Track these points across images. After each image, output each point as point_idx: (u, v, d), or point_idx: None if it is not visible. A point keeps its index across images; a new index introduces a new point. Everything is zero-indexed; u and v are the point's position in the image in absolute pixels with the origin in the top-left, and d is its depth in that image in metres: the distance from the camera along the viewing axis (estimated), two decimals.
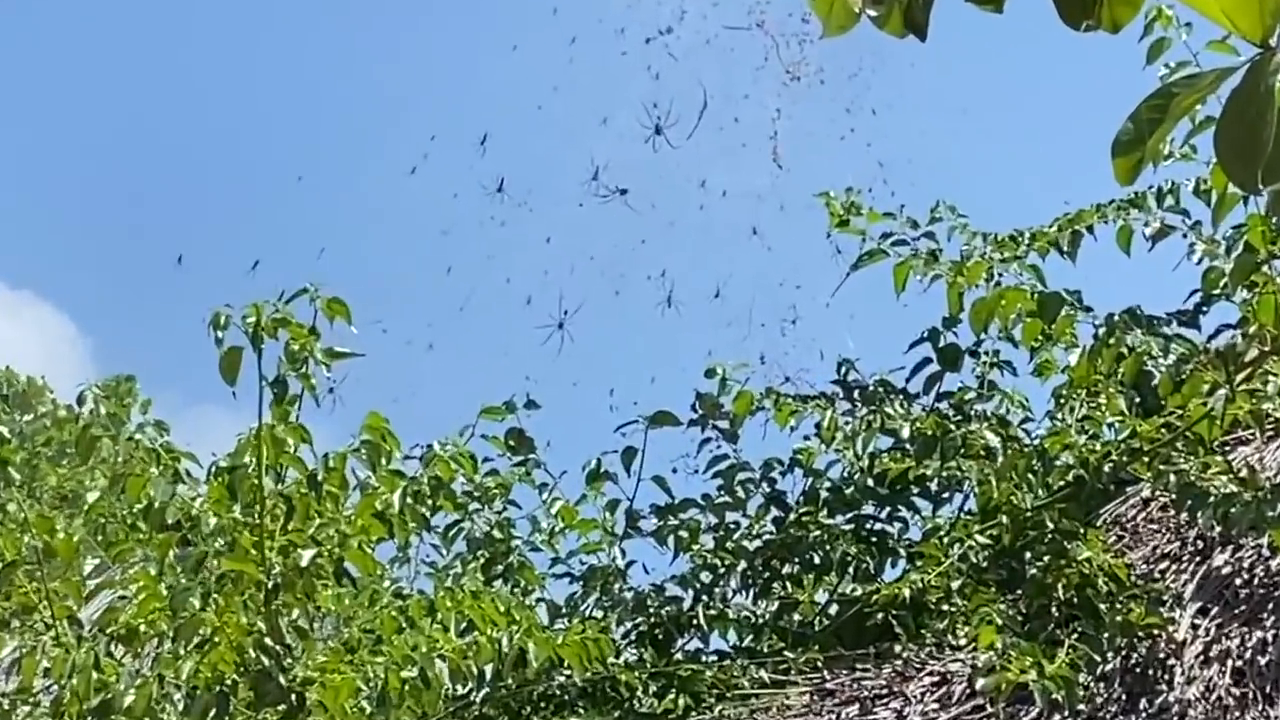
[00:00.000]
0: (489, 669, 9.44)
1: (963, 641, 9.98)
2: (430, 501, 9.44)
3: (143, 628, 9.11)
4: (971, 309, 10.33)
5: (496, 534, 10.62)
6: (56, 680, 8.88)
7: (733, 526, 11.00)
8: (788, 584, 10.94)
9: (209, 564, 9.06)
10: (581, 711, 10.02)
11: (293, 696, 8.87)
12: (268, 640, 8.82)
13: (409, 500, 9.18)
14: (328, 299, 8.86)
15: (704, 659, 10.70)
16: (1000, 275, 10.33)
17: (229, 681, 8.81)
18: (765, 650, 10.62)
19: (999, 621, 9.60)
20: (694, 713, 10.27)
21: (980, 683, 9.39)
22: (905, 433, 10.53)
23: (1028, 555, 10.35)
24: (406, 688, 8.96)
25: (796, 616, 10.81)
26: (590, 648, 9.37)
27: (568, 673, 9.86)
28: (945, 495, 10.89)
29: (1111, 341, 10.17)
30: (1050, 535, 10.28)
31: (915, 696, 9.72)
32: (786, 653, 10.26)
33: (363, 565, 9.19)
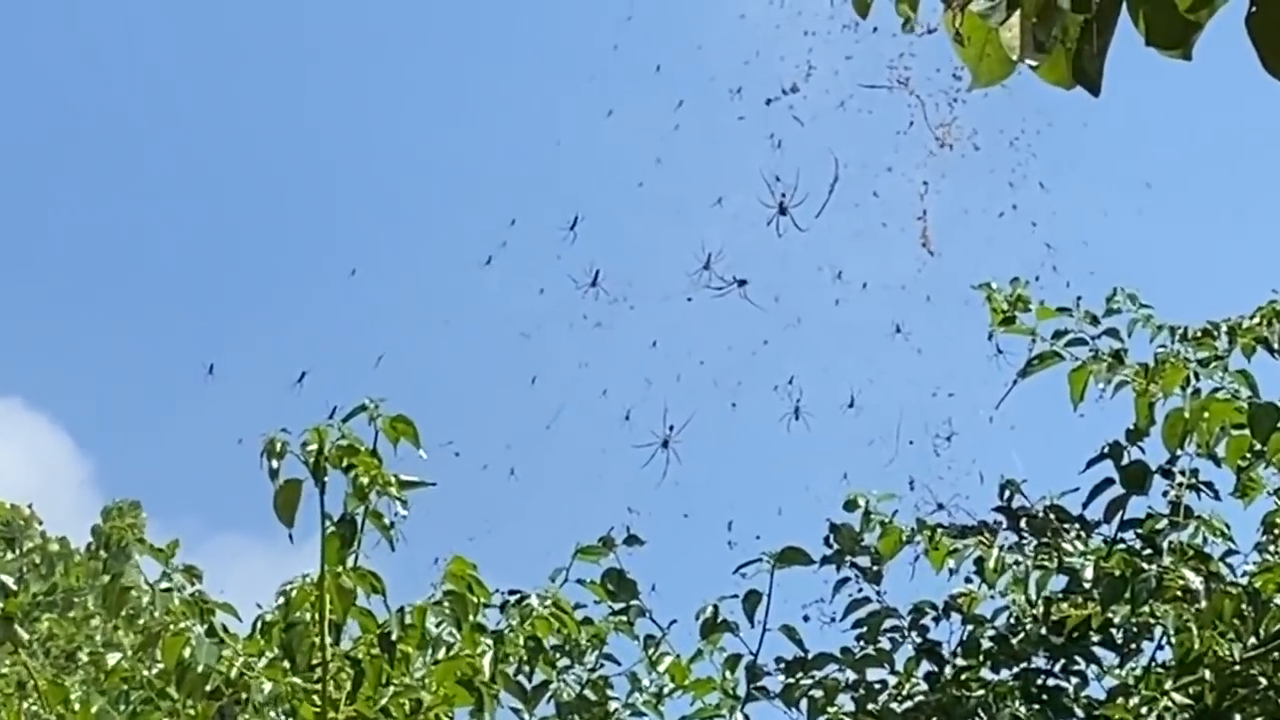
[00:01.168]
0: None
1: None
2: (528, 666, 8.31)
3: None
4: (1165, 421, 9.40)
5: (591, 695, 9.54)
6: None
7: (877, 685, 10.12)
8: None
9: None
10: None
11: None
12: None
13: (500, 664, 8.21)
14: (390, 417, 8.07)
15: None
16: (1199, 380, 9.39)
17: None
18: None
19: None
20: None
21: None
22: (1087, 572, 9.53)
23: (1237, 717, 9.48)
24: None
25: None
26: None
27: None
28: (1134, 645, 9.97)
29: None
30: (1263, 692, 9.49)
31: None
32: None
33: None
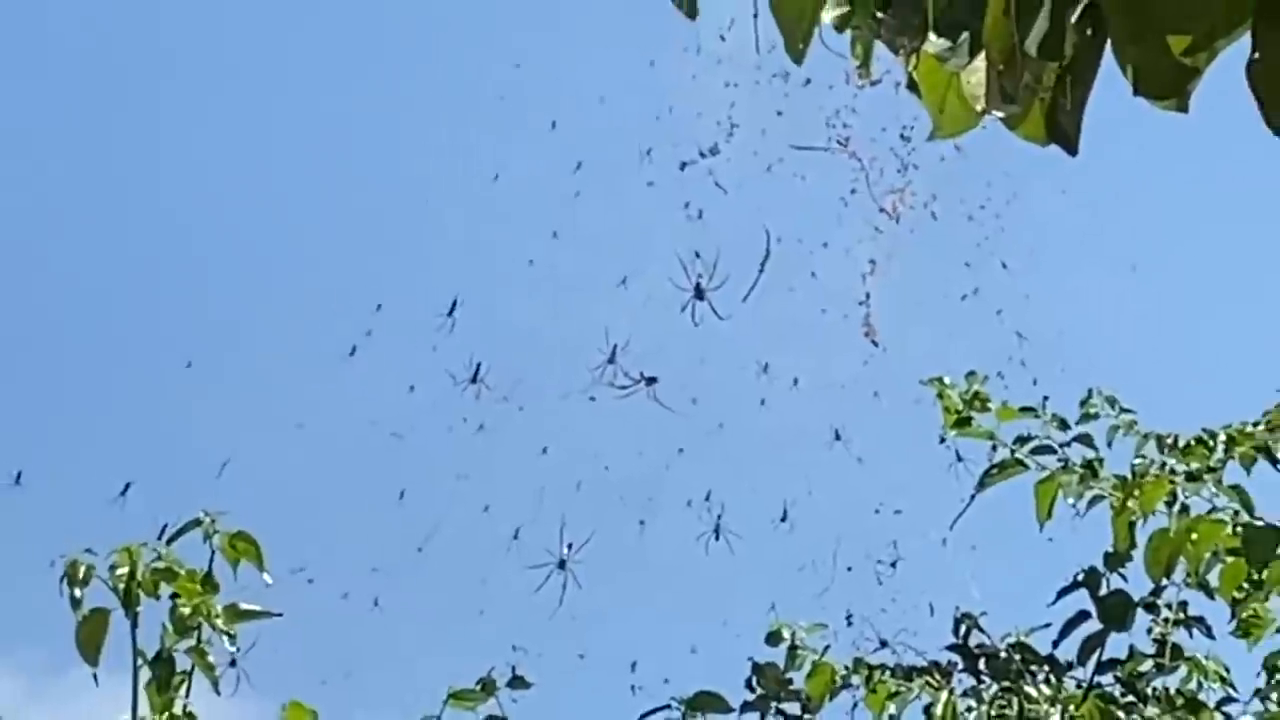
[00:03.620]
0: None
1: None
2: None
3: None
4: (1149, 545, 8.31)
5: None
6: None
7: None
8: None
9: None
10: None
11: None
12: None
13: None
14: (229, 534, 7.19)
15: None
16: (1188, 497, 8.36)
17: None
18: None
19: None
20: None
21: None
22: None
23: None
24: None
25: None
26: None
27: None
28: None
29: None
30: None
31: None
32: None
33: None
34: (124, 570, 7.26)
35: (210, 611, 7.71)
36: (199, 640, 7.80)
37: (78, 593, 7.12)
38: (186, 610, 7.56)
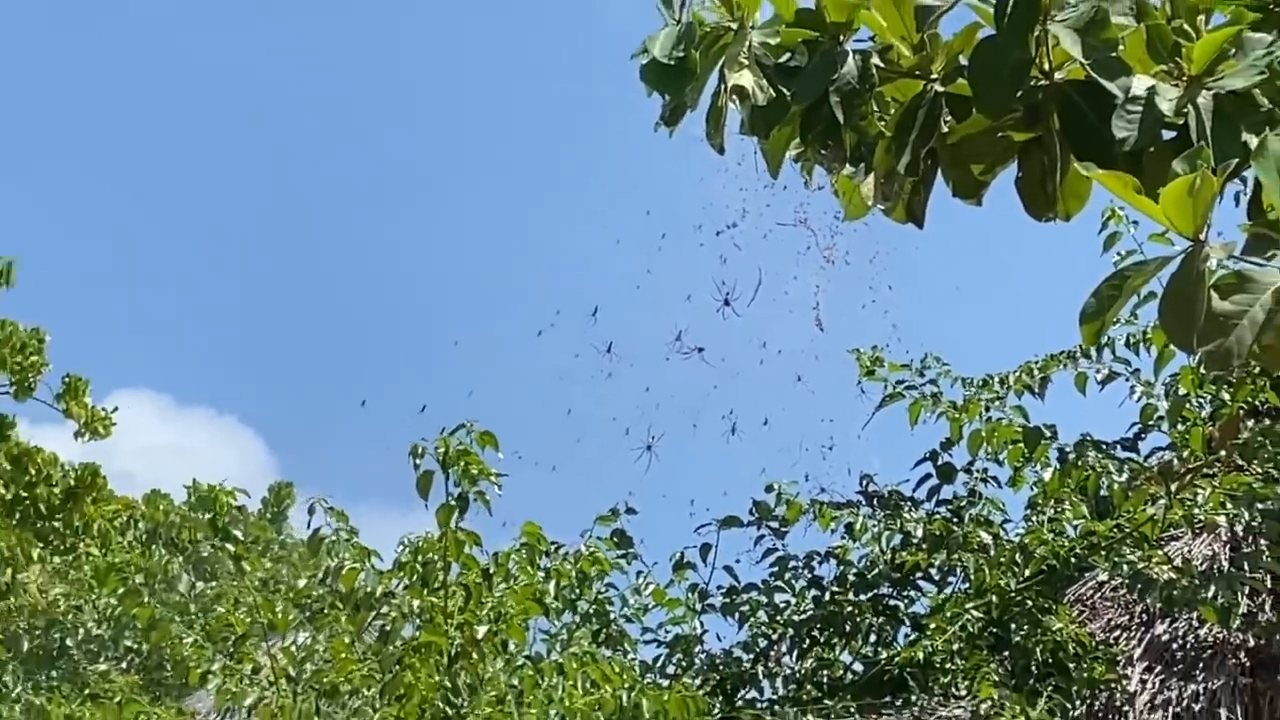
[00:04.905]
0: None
1: (963, 693, 10.90)
2: (578, 590, 10.76)
3: (342, 684, 10.03)
4: (970, 438, 11.35)
5: (599, 609, 11.47)
6: None
7: (783, 605, 11.92)
8: (824, 648, 11.83)
9: (400, 635, 9.86)
10: None
11: None
12: (449, 695, 9.73)
13: (562, 589, 10.30)
14: (480, 432, 9.86)
15: (759, 706, 11.50)
16: (989, 412, 11.35)
17: None
18: (806, 699, 11.39)
19: (994, 678, 10.61)
20: None
21: None
22: (918, 531, 11.48)
23: (1011, 626, 11.23)
24: None
25: (830, 673, 11.71)
26: (690, 704, 9.95)
27: None
28: (947, 580, 11.82)
29: (1079, 463, 11.24)
30: (1029, 610, 11.20)
31: None
32: (826, 701, 11.11)
33: (519, 638, 10.08)
34: (442, 450, 9.63)
35: (486, 471, 9.66)
36: (481, 490, 9.75)
37: (417, 461, 9.70)
38: (474, 471, 9.66)
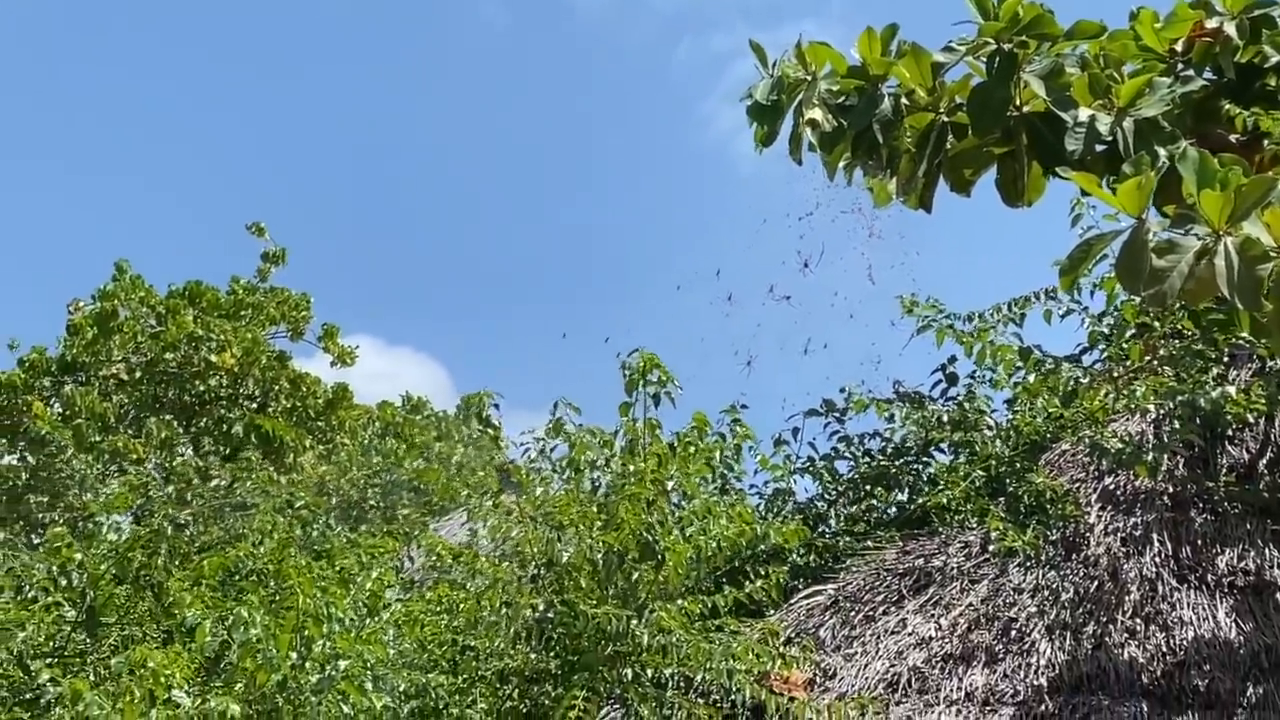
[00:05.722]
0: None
1: (974, 526, 12.78)
2: (735, 457, 13.02)
3: (567, 522, 11.62)
4: (977, 354, 13.43)
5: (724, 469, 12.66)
6: (520, 543, 11.46)
7: (844, 469, 13.81)
8: (871, 498, 13.69)
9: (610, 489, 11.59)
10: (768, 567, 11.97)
11: (658, 556, 11.49)
12: (647, 529, 11.54)
13: (724, 457, 12.37)
14: (646, 355, 11.60)
15: (828, 536, 13.53)
16: (994, 336, 13.31)
17: (621, 549, 11.29)
18: (858, 532, 13.39)
19: (1000, 515, 12.39)
20: (828, 566, 12.78)
21: (991, 546, 12.26)
22: (945, 417, 13.52)
23: (1006, 481, 13.02)
24: (714, 554, 11.32)
25: (876, 515, 13.85)
26: (800, 533, 12.09)
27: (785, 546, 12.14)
28: (958, 451, 13.66)
29: (1054, 370, 13.00)
30: (1017, 470, 13.00)
31: (951, 553, 12.61)
32: (878, 531, 13.07)
33: (693, 490, 11.94)
34: (641, 362, 11.63)
35: (672, 378, 11.77)
36: (669, 391, 12.07)
37: (629, 372, 11.77)
38: (664, 377, 11.58)
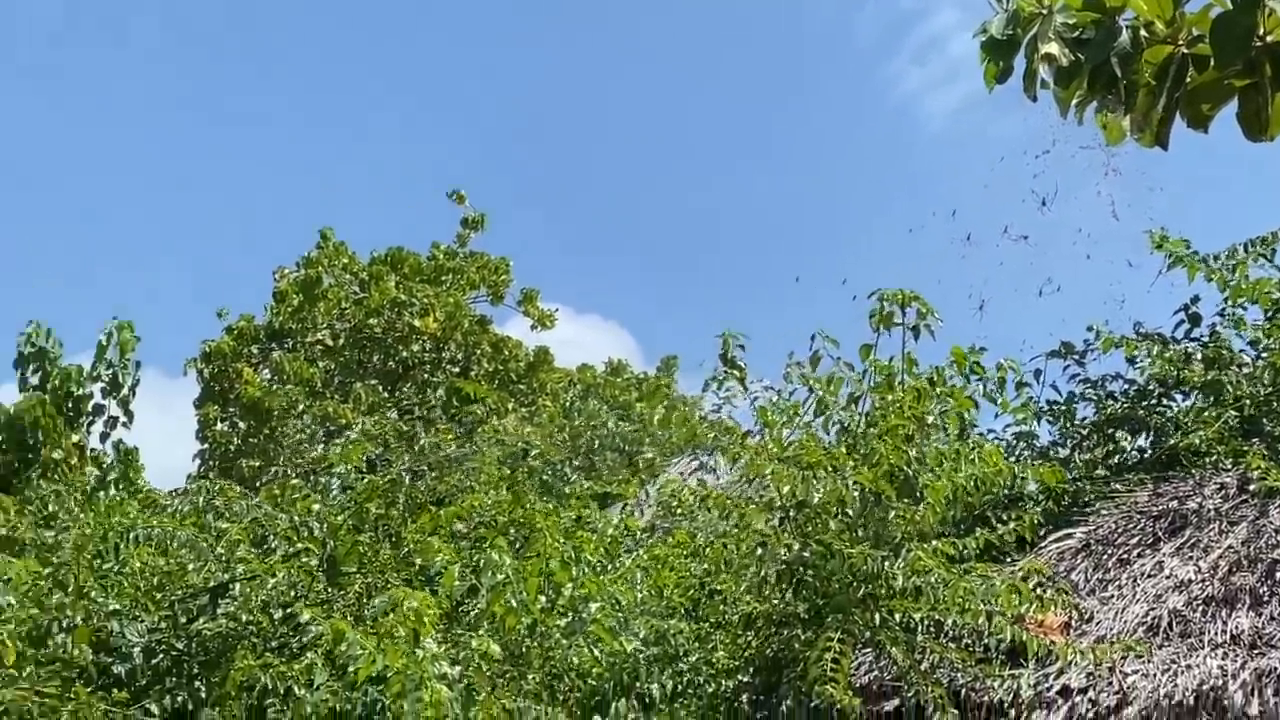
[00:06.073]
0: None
1: (1227, 466, 12.38)
2: (999, 391, 12.51)
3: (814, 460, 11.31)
4: (1232, 290, 13.11)
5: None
6: (771, 484, 11.16)
7: (1087, 416, 13.46)
8: (1112, 441, 13.54)
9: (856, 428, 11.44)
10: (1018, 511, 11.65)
11: (917, 492, 11.33)
12: (905, 464, 11.32)
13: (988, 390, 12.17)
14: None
15: (1069, 479, 13.07)
16: (1249, 268, 12.64)
17: (877, 488, 11.05)
18: (1098, 478, 13.22)
19: (1261, 453, 11.87)
20: (1066, 512, 12.44)
21: (1251, 486, 11.83)
22: (1198, 356, 13.13)
23: (1262, 421, 12.61)
24: (972, 494, 11.05)
25: (1117, 459, 13.53)
26: (1057, 473, 11.85)
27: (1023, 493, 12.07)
28: (1205, 393, 13.27)
29: None
30: (1275, 409, 12.74)
31: (1207, 495, 12.16)
32: (1126, 475, 12.71)
33: (954, 425, 11.93)
34: (899, 298, 11.74)
35: (931, 310, 11.94)
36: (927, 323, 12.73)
37: (873, 311, 11.75)
38: (925, 311, 12.16)
